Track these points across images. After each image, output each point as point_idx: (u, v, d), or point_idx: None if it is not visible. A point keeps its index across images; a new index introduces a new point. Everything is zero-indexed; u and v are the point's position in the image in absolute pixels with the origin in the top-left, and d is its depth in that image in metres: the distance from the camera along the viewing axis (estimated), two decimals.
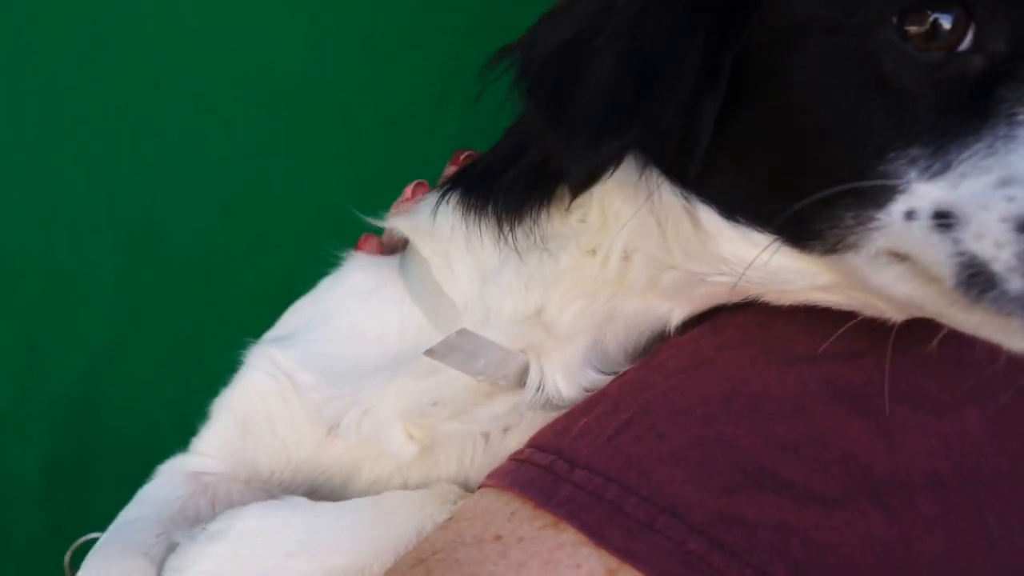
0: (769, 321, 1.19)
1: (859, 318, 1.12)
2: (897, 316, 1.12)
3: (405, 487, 1.35)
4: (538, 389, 1.26)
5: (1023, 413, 1.12)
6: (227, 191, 2.19)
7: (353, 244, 1.48)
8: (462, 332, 1.24)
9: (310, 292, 1.45)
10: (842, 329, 1.12)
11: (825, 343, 1.14)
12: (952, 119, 1.02)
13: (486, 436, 1.30)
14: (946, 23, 1.02)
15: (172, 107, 2.14)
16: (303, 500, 1.28)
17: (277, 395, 1.36)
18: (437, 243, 1.30)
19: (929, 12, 1.02)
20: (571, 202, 1.13)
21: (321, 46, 2.22)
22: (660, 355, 1.22)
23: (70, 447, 2.18)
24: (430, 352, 1.23)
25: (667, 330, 1.25)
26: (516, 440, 1.24)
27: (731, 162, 1.10)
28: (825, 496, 1.09)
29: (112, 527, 1.33)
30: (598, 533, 1.06)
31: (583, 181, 1.08)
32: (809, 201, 1.05)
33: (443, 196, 1.29)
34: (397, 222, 1.38)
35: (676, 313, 1.23)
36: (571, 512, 1.08)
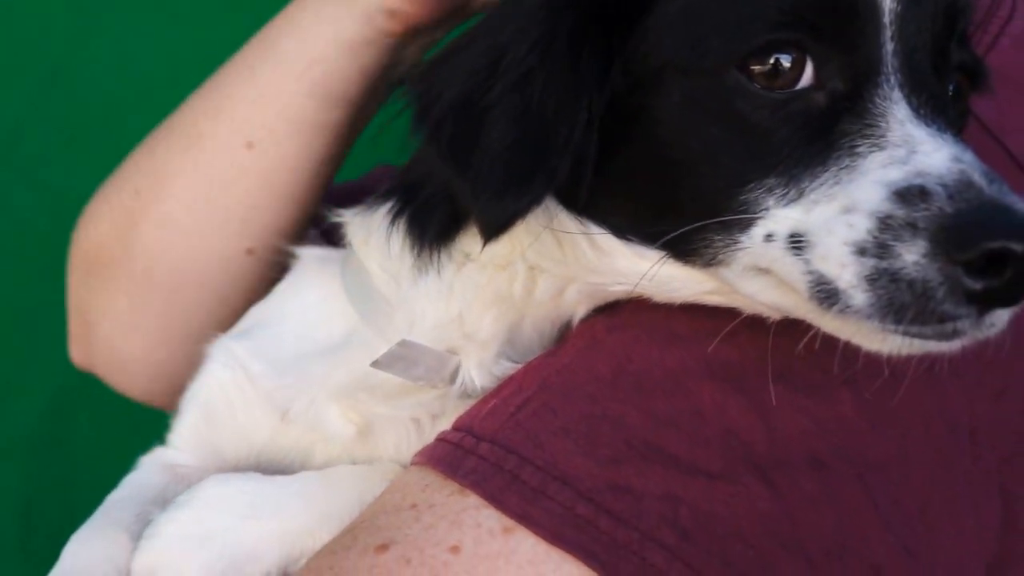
0: (656, 305, 1.26)
1: (742, 316, 1.19)
2: (774, 315, 1.19)
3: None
4: (460, 383, 1.36)
5: (895, 399, 1.19)
6: None
7: None
8: (403, 343, 1.33)
9: (268, 296, 1.54)
10: (728, 327, 1.20)
11: (707, 324, 1.22)
12: (803, 151, 1.12)
13: (417, 422, 1.40)
14: (786, 62, 1.13)
15: (133, 134, 2.10)
16: (257, 473, 1.40)
17: (234, 384, 1.46)
18: (384, 260, 1.38)
19: (769, 54, 1.13)
20: (484, 247, 1.22)
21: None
22: (563, 342, 1.31)
23: (45, 486, 2.19)
24: (376, 364, 1.33)
25: (573, 321, 1.34)
26: (444, 425, 1.31)
27: (616, 191, 1.20)
28: (710, 470, 1.17)
29: (99, 509, 1.45)
30: (497, 498, 1.16)
31: (493, 234, 1.18)
32: (677, 233, 1.16)
33: (394, 218, 1.36)
34: (353, 232, 1.44)
35: (580, 309, 1.32)
36: (475, 481, 1.18)
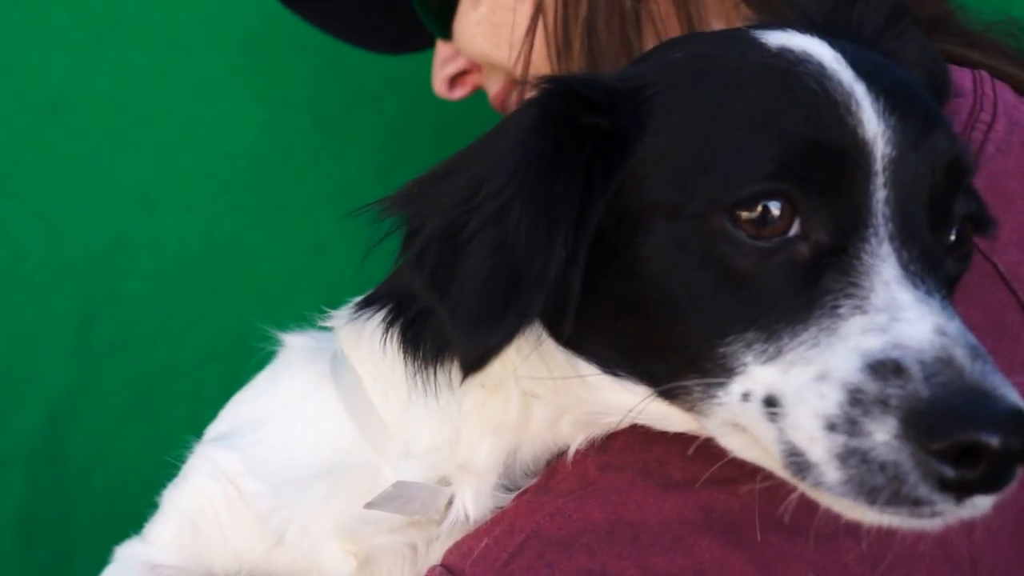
0: (649, 443, 1.24)
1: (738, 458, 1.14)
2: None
3: None
4: (455, 516, 1.33)
5: (896, 543, 1.13)
6: (182, 248, 2.28)
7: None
8: (398, 484, 1.31)
9: (248, 386, 1.51)
10: (719, 463, 1.15)
11: (702, 470, 1.17)
12: (786, 305, 1.08)
13: (413, 548, 1.37)
14: (775, 210, 1.09)
15: (127, 166, 2.25)
16: None
17: (223, 501, 1.42)
18: (377, 369, 1.36)
19: (757, 202, 1.08)
20: (463, 380, 1.18)
21: (274, 114, 2.32)
22: (555, 475, 1.28)
23: (42, 497, 2.24)
24: (370, 505, 1.31)
25: (568, 451, 1.31)
26: (440, 549, 1.32)
27: (601, 326, 1.18)
28: None
29: None
30: None
31: (470, 368, 1.15)
32: (658, 391, 1.14)
33: (388, 328, 1.33)
34: (344, 339, 1.42)
35: (578, 438, 1.29)
36: None
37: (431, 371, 1.28)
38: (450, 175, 1.21)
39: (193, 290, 2.29)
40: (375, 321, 1.34)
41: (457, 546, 1.26)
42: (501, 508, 1.31)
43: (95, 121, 2.23)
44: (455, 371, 1.24)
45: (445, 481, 1.33)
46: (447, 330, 1.18)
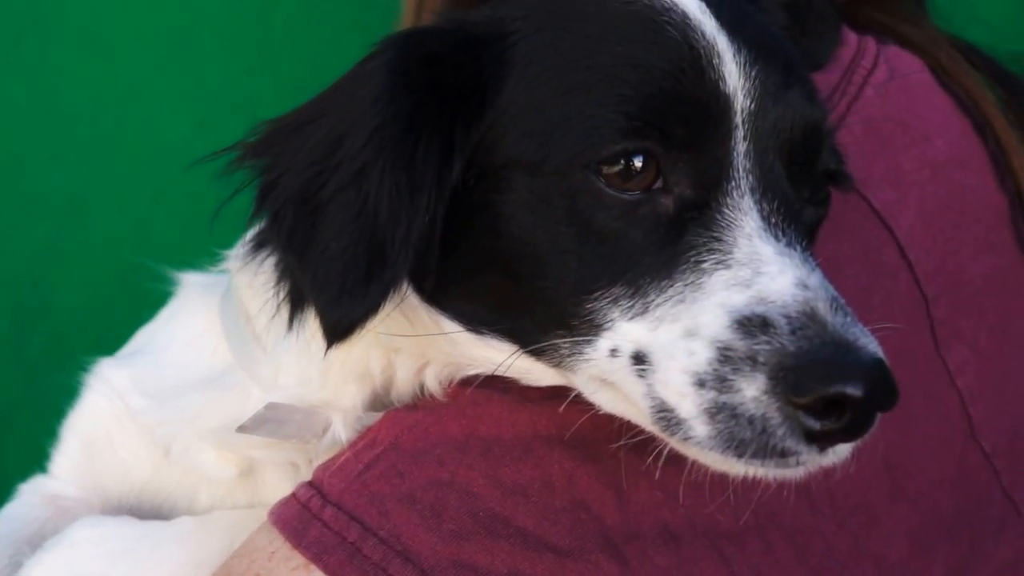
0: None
1: (600, 412, 1.15)
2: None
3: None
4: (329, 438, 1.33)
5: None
6: (117, 258, 2.21)
7: None
8: (270, 405, 1.31)
9: (153, 320, 1.54)
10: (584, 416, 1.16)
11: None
12: (651, 260, 1.09)
13: (295, 466, 1.37)
14: (638, 163, 1.10)
15: (54, 171, 2.19)
16: (130, 517, 1.39)
17: (113, 417, 1.46)
18: (261, 301, 1.35)
19: (619, 158, 1.09)
20: (327, 350, 1.18)
21: (207, 113, 2.23)
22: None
23: None
24: (242, 428, 1.31)
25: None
26: None
27: (465, 284, 1.19)
28: (558, 545, 1.15)
29: None
30: (339, 575, 1.15)
31: (334, 339, 1.16)
32: (524, 351, 1.15)
33: (281, 276, 1.31)
34: (236, 272, 1.41)
35: (442, 384, 1.28)
36: (317, 554, 1.17)
37: (299, 314, 1.26)
38: (308, 124, 1.19)
39: (129, 299, 2.20)
40: (270, 264, 1.33)
41: (324, 464, 1.26)
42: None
43: (17, 124, 2.18)
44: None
45: (314, 409, 1.33)
46: (308, 296, 1.18)
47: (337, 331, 1.14)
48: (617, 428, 1.15)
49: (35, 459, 2.15)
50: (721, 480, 1.14)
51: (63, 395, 2.16)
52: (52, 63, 2.18)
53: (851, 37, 1.47)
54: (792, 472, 1.08)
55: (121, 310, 2.18)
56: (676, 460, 1.14)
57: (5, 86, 2.18)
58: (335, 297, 1.13)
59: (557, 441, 1.19)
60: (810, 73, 1.25)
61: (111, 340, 2.18)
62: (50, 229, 2.19)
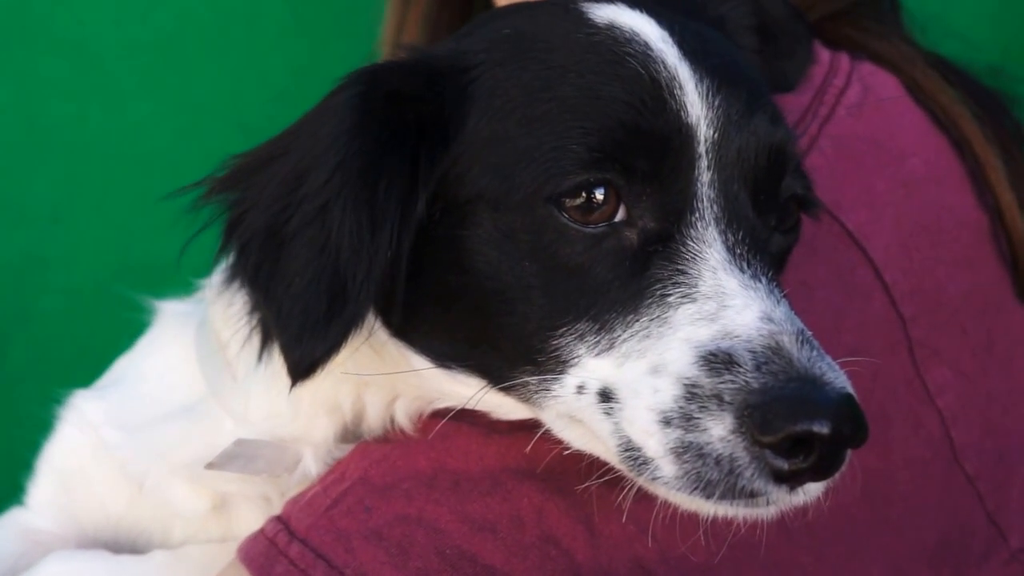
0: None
1: (569, 449, 1.14)
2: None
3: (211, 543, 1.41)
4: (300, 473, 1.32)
5: None
6: (99, 268, 2.18)
7: None
8: (238, 442, 1.30)
9: (130, 351, 1.51)
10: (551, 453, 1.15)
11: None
12: (615, 295, 1.08)
13: (268, 500, 1.36)
14: (599, 195, 1.09)
15: (35, 178, 2.16)
16: (104, 551, 1.38)
17: (87, 450, 1.43)
18: (234, 331, 1.33)
19: (580, 191, 1.08)
20: (291, 387, 1.17)
21: (191, 120, 2.21)
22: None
23: None
24: (211, 465, 1.29)
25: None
26: None
27: (431, 318, 1.17)
28: None
29: None
30: None
31: (297, 377, 1.14)
32: (494, 387, 1.13)
33: (252, 309, 1.31)
34: (212, 300, 1.39)
35: (411, 418, 1.27)
36: None
37: (269, 346, 1.25)
38: (274, 159, 1.19)
39: (110, 309, 2.18)
40: (243, 297, 1.31)
41: (296, 497, 1.25)
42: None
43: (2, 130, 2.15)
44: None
45: (284, 443, 1.32)
46: (273, 332, 1.18)
47: (299, 369, 1.14)
48: (587, 464, 1.13)
49: (14, 468, 2.14)
50: (693, 515, 1.12)
51: (43, 404, 2.16)
52: (35, 70, 2.15)
53: (823, 55, 1.45)
54: (763, 512, 1.07)
55: (102, 319, 2.17)
56: (648, 494, 1.11)
57: None
58: (297, 335, 1.13)
59: (527, 474, 1.18)
60: (775, 96, 1.23)
61: (92, 349, 2.16)
62: (32, 237, 2.16)
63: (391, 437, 1.25)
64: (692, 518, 1.12)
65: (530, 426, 1.16)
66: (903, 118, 1.43)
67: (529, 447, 1.16)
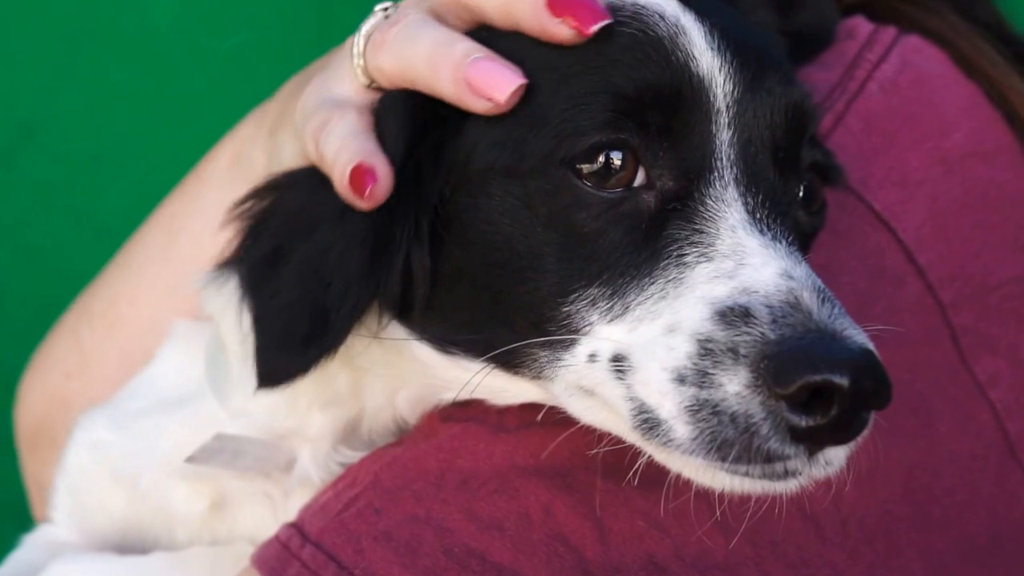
0: None
1: (576, 426, 1.12)
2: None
3: (215, 544, 1.41)
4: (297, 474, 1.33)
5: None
6: (79, 263, 2.04)
7: None
8: (218, 436, 1.30)
9: (147, 367, 1.50)
10: (560, 438, 1.14)
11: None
12: (630, 259, 1.07)
13: (270, 497, 1.36)
14: (617, 160, 1.08)
15: (23, 181, 2.15)
16: (109, 553, 1.40)
17: (92, 458, 1.45)
18: (238, 331, 1.33)
19: (597, 153, 1.07)
20: (256, 390, 1.19)
21: (184, 111, 2.17)
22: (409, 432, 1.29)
23: None
24: (190, 459, 1.29)
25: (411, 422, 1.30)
26: (299, 501, 1.30)
27: (440, 300, 1.16)
28: None
29: None
30: None
31: (265, 385, 1.16)
32: (498, 352, 1.12)
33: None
34: (209, 300, 1.38)
35: (416, 411, 1.28)
36: None
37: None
38: (292, 188, 1.22)
39: None
40: (233, 286, 1.31)
41: (309, 504, 1.26)
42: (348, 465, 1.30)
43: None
44: None
45: (282, 439, 1.32)
46: (253, 334, 1.18)
47: (268, 378, 1.15)
48: (596, 460, 1.11)
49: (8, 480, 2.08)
50: (708, 507, 1.08)
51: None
52: (20, 60, 2.13)
53: (862, 29, 1.41)
54: (782, 485, 1.03)
55: None
56: (657, 486, 1.09)
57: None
58: (272, 350, 1.15)
59: (534, 472, 1.16)
60: (802, 72, 1.21)
61: None
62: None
63: (403, 440, 1.25)
64: (705, 511, 1.09)
65: (538, 424, 1.15)
66: (945, 92, 1.36)
67: (539, 439, 1.15)
